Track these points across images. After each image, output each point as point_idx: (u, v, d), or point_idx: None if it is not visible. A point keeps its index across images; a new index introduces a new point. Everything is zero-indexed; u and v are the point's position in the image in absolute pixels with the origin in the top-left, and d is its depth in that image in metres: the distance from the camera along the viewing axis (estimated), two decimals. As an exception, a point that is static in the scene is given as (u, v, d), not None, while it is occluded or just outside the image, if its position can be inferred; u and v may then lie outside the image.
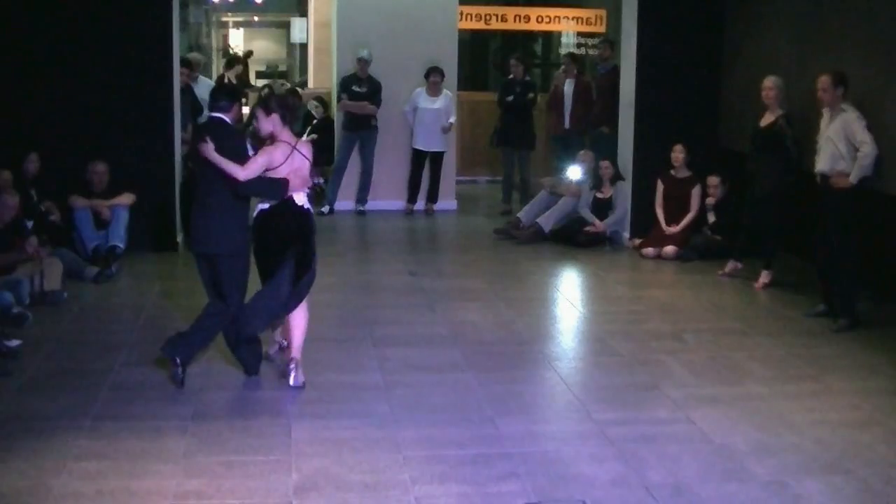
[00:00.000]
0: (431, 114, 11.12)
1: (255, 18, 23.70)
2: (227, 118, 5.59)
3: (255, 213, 5.61)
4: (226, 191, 5.44)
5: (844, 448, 4.84)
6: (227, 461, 4.57)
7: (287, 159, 5.47)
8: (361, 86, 11.02)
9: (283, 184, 5.45)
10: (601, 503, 4.25)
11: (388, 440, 4.86)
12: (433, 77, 11.02)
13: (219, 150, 5.36)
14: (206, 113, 10.62)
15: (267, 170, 5.44)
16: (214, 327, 5.65)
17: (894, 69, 7.34)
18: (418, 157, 11.34)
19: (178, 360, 5.48)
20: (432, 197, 11.54)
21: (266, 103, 5.58)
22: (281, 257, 5.47)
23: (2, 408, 5.18)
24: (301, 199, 5.55)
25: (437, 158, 11.39)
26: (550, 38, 16.65)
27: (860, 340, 6.65)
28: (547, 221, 9.89)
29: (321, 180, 12.44)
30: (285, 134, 5.56)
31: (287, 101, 5.73)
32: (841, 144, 6.93)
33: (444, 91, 11.17)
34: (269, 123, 5.51)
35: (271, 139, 5.54)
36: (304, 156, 5.55)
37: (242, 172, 5.35)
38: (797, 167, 7.84)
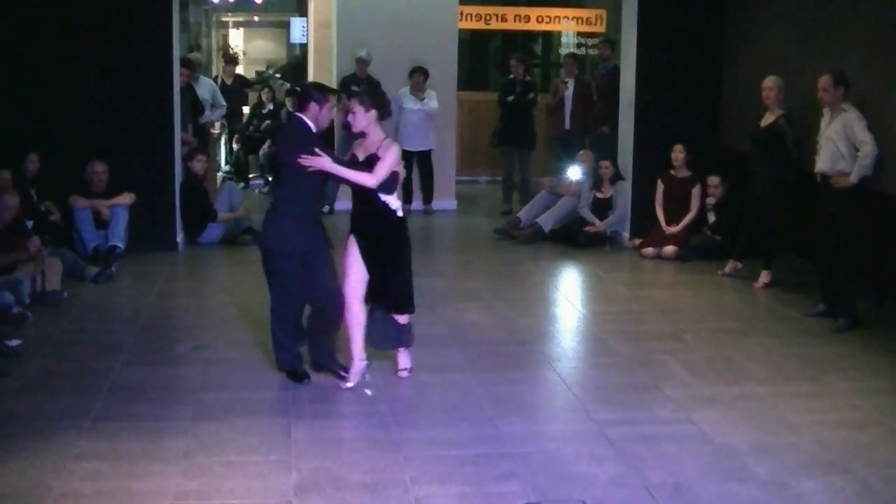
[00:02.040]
0: (417, 114, 11.11)
1: (255, 18, 23.68)
2: (306, 119, 5.51)
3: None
4: (301, 192, 5.44)
5: (844, 448, 4.84)
6: (227, 461, 4.57)
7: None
8: (360, 86, 11.00)
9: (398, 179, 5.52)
10: (601, 503, 4.25)
11: (388, 440, 4.86)
12: (416, 77, 10.99)
13: (290, 153, 5.35)
14: (206, 113, 10.70)
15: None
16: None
17: (895, 69, 7.34)
18: (406, 158, 11.33)
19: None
20: (428, 197, 11.53)
21: (364, 98, 5.48)
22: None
23: (2, 408, 5.18)
24: (395, 202, 5.48)
25: (424, 158, 11.39)
26: (550, 38, 16.65)
27: (860, 340, 6.65)
28: (547, 221, 9.90)
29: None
30: (378, 132, 5.48)
31: (384, 99, 5.59)
32: (841, 144, 6.93)
33: (429, 90, 11.13)
34: (366, 119, 5.43)
35: (362, 135, 5.49)
36: None
37: (372, 179, 5.31)
38: (797, 167, 7.85)
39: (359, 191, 5.45)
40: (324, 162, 5.31)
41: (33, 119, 8.54)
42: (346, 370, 5.60)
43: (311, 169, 5.30)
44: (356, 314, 5.52)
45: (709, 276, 8.48)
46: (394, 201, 5.46)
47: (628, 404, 5.44)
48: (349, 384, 5.53)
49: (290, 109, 13.05)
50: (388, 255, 5.51)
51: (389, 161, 5.36)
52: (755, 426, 5.11)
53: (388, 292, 5.55)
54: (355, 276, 5.50)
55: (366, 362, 5.62)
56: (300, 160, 5.27)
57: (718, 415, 5.25)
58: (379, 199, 5.42)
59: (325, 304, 5.52)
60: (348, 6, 11.49)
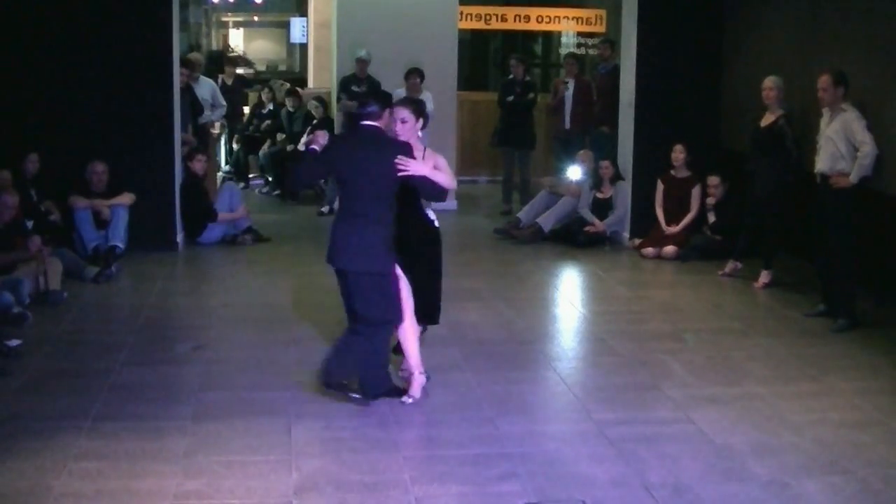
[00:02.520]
0: None
1: (255, 18, 23.69)
2: (381, 126, 5.19)
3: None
4: (383, 204, 5.08)
5: (844, 448, 4.84)
6: (227, 461, 4.57)
7: None
8: (360, 86, 11.01)
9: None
10: (601, 503, 4.25)
11: (388, 440, 4.86)
12: (412, 79, 10.92)
13: (381, 162, 5.01)
14: (206, 113, 10.69)
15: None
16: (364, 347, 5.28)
17: (894, 69, 7.34)
18: None
19: (334, 385, 5.26)
20: None
21: (414, 107, 5.34)
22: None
23: (2, 408, 5.17)
24: (432, 213, 5.48)
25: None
26: (550, 38, 16.65)
27: (860, 340, 6.65)
28: (547, 221, 9.90)
29: (321, 180, 12.45)
30: (418, 141, 5.34)
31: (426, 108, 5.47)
32: (841, 144, 6.93)
33: (425, 92, 11.08)
34: (415, 129, 5.30)
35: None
36: None
37: (450, 180, 5.21)
38: (797, 167, 7.85)
39: (402, 201, 5.21)
40: (420, 166, 5.08)
41: (33, 119, 8.54)
42: (402, 390, 5.38)
43: (403, 174, 5.00)
44: (412, 327, 5.36)
45: (709, 276, 8.48)
46: (431, 211, 5.47)
47: (628, 404, 5.44)
48: (411, 399, 5.31)
49: (290, 109, 13.04)
50: (425, 265, 5.45)
51: (446, 165, 5.34)
52: (755, 426, 5.11)
53: (421, 301, 5.40)
54: (405, 288, 5.29)
55: (425, 375, 5.42)
56: (400, 164, 4.97)
57: (718, 415, 5.25)
58: (422, 208, 5.39)
59: (380, 323, 5.21)
60: (348, 6, 11.49)
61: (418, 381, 5.39)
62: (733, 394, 5.60)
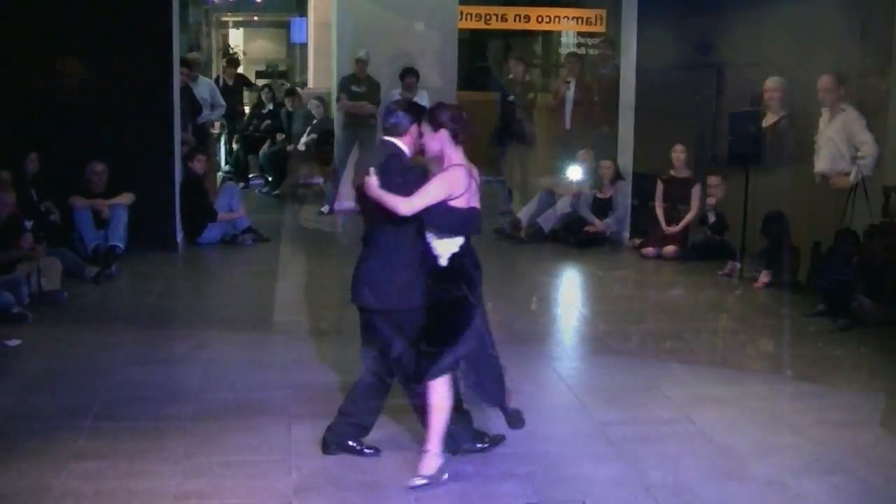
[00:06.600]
0: None
1: (255, 18, 23.69)
2: (401, 145, 4.58)
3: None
4: (395, 235, 4.46)
5: (844, 448, 4.84)
6: (227, 461, 4.57)
7: (468, 186, 4.50)
8: (360, 86, 11.01)
9: (476, 216, 4.51)
10: (601, 503, 4.25)
11: (387, 440, 4.85)
12: (408, 79, 10.89)
13: (385, 184, 4.34)
14: (205, 112, 10.70)
15: (445, 200, 4.42)
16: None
17: (894, 69, 7.34)
18: None
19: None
20: None
21: (434, 116, 4.59)
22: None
23: (2, 408, 5.17)
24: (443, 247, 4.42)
25: None
26: (550, 38, 16.64)
27: (860, 340, 6.64)
28: (547, 221, 9.90)
29: (321, 180, 12.46)
30: (457, 155, 4.63)
31: (460, 115, 4.67)
32: (842, 144, 6.93)
33: (420, 91, 11.05)
34: (437, 141, 4.56)
35: (438, 161, 4.58)
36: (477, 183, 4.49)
37: (404, 205, 4.31)
38: (799, 167, 7.84)
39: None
40: (370, 184, 4.37)
41: (33, 119, 8.53)
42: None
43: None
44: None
45: (709, 276, 8.47)
46: (442, 245, 4.45)
47: (628, 404, 5.43)
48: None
49: (290, 109, 13.06)
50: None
51: (435, 187, 4.45)
52: (755, 426, 5.11)
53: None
54: None
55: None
56: (364, 181, 4.36)
57: (718, 415, 5.25)
58: (424, 237, 4.47)
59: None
60: (348, 6, 11.48)
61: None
62: (733, 394, 5.59)
